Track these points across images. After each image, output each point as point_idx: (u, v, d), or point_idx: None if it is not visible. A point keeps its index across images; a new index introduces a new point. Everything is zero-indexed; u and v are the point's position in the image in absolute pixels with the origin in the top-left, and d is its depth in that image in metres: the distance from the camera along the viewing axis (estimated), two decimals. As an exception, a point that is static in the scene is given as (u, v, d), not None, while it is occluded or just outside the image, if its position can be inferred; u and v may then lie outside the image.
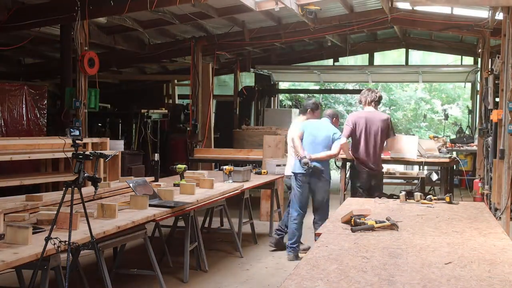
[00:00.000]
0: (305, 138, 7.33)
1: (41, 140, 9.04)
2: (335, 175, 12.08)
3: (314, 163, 7.13)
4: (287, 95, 22.53)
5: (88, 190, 5.76)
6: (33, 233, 4.06)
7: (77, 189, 4.10)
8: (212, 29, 12.23)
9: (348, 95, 23.80)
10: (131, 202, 5.46)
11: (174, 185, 7.05)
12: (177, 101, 17.02)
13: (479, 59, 12.60)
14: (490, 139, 8.12)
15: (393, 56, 17.19)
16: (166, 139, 14.28)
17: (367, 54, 16.71)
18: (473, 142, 13.16)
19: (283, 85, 20.76)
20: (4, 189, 7.88)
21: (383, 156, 8.52)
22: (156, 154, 7.87)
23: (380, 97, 7.65)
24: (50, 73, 14.18)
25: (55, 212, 4.09)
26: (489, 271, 3.20)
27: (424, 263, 3.36)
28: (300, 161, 7.17)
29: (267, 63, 16.69)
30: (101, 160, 7.63)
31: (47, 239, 3.78)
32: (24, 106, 11.18)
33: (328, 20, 11.87)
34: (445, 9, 11.11)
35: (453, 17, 11.32)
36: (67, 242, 3.84)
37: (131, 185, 5.74)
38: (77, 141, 4.27)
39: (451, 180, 9.75)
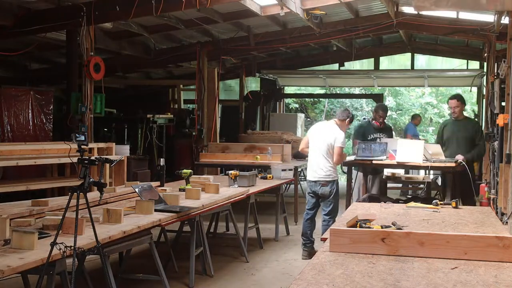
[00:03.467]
0: None
1: (47, 145, 9.06)
2: (341, 180, 12.07)
3: None
4: (294, 98, 22.56)
5: (94, 195, 5.77)
6: (39, 238, 4.07)
7: (82, 194, 4.11)
8: (218, 34, 12.25)
9: (354, 99, 23.79)
10: (137, 207, 5.47)
11: (180, 190, 7.07)
12: (182, 106, 17.03)
13: (485, 63, 12.57)
14: (496, 143, 8.09)
15: (398, 61, 17.17)
16: (172, 144, 14.28)
17: (373, 59, 16.70)
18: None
19: (288, 90, 20.76)
20: (10, 194, 7.90)
21: (388, 161, 8.55)
22: (161, 159, 7.89)
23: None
24: (56, 78, 14.20)
25: (61, 217, 4.10)
26: (496, 276, 3.19)
27: (430, 268, 3.35)
28: None
29: (273, 68, 16.69)
30: (107, 165, 7.66)
31: (53, 244, 3.79)
32: (30, 111, 11.22)
33: (334, 25, 11.88)
34: (450, 14, 11.09)
35: (459, 22, 11.29)
36: (72, 247, 3.84)
37: (136, 190, 5.74)
38: (82, 146, 4.29)
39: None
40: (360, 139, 9.25)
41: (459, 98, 8.96)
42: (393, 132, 11.00)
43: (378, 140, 9.27)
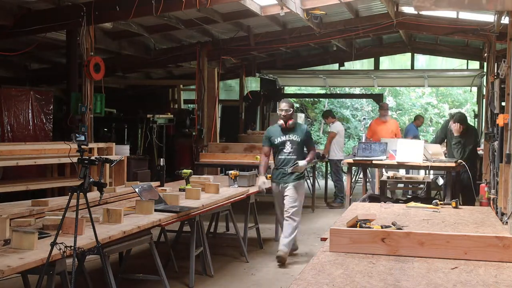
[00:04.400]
0: None
1: (47, 145, 9.07)
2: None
3: None
4: (294, 98, 22.57)
5: (94, 195, 5.77)
6: (39, 238, 4.07)
7: (82, 194, 4.11)
8: (218, 34, 12.25)
9: (354, 99, 23.79)
10: (137, 207, 5.47)
11: (180, 190, 7.07)
12: (182, 106, 17.04)
13: (485, 63, 12.56)
14: (496, 143, 8.10)
15: (399, 61, 17.16)
16: (172, 144, 14.29)
17: (373, 59, 16.69)
18: (479, 147, 13.11)
19: (288, 90, 20.75)
20: (10, 194, 7.90)
21: (388, 161, 8.54)
22: (161, 159, 7.89)
23: None
24: (56, 78, 14.21)
25: (61, 217, 4.10)
26: (496, 276, 3.19)
27: (430, 268, 3.35)
28: None
29: (273, 68, 16.69)
30: (107, 165, 7.66)
31: (53, 244, 3.79)
32: (30, 111, 11.23)
33: (334, 25, 11.88)
34: (450, 14, 11.09)
35: (459, 21, 11.29)
36: (72, 247, 3.84)
37: (136, 190, 5.74)
38: (82, 146, 4.28)
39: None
40: None
41: (462, 122, 8.90)
42: None
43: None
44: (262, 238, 8.49)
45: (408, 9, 11.11)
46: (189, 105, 16.90)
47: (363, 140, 13.35)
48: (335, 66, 16.73)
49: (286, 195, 7.37)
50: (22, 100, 11.10)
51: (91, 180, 4.17)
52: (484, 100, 13.34)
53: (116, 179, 9.30)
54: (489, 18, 10.08)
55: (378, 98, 16.65)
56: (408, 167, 9.36)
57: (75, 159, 4.26)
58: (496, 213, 5.79)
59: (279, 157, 7.45)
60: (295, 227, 7.28)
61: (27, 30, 9.01)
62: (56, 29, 9.62)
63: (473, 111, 17.45)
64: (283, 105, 7.46)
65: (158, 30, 11.56)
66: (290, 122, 7.36)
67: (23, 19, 8.95)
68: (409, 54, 16.38)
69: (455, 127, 8.87)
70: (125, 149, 10.37)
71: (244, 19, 11.21)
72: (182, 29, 11.19)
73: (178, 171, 7.35)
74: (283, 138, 7.42)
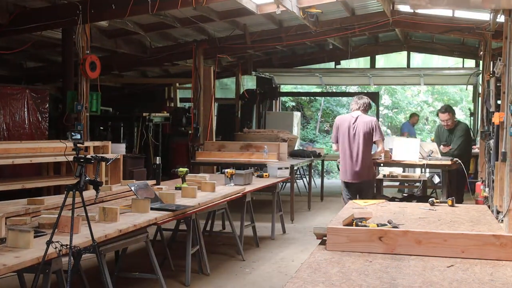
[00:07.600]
0: None
1: (43, 143, 9.05)
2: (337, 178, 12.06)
3: None
4: (290, 97, 22.60)
5: (89, 193, 5.76)
6: (35, 237, 4.06)
7: (78, 193, 4.10)
8: (214, 33, 12.24)
9: (351, 98, 23.84)
10: (133, 206, 5.46)
11: (176, 188, 7.05)
12: (178, 104, 17.03)
13: (481, 62, 12.59)
14: (492, 141, 8.12)
15: (395, 59, 17.18)
16: (168, 143, 14.28)
17: (369, 57, 16.70)
18: (475, 145, 13.15)
19: (285, 88, 20.77)
20: (6, 193, 7.87)
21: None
22: (157, 158, 7.87)
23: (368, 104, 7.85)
24: (52, 76, 14.20)
25: (57, 216, 4.09)
26: (491, 274, 3.20)
27: (426, 266, 3.35)
28: None
29: (269, 66, 16.68)
30: (103, 163, 7.65)
31: (49, 242, 3.78)
32: (25, 109, 11.21)
33: (330, 23, 11.88)
34: (446, 12, 11.10)
35: (455, 20, 11.31)
36: (68, 246, 3.83)
37: (132, 188, 5.73)
38: (78, 145, 4.27)
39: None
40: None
41: (450, 110, 8.95)
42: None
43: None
44: (258, 236, 8.49)
45: (404, 8, 11.12)
46: (185, 104, 16.88)
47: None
48: (331, 65, 16.74)
49: None
50: (17, 98, 11.08)
51: (87, 178, 4.16)
52: (479, 99, 13.36)
53: (112, 177, 9.29)
54: (485, 16, 10.09)
55: (374, 97, 16.67)
56: (404, 166, 9.37)
57: (71, 158, 4.23)
58: (492, 211, 5.81)
59: None
60: None
61: (22, 29, 9.00)
62: (51, 27, 9.61)
63: (469, 109, 17.47)
64: None
65: (154, 29, 11.55)
66: None
67: (19, 17, 8.93)
68: (405, 53, 16.40)
69: (444, 117, 8.88)
70: (121, 148, 10.36)
71: (240, 17, 11.21)
72: (178, 27, 11.19)
73: (174, 170, 7.34)
74: None
